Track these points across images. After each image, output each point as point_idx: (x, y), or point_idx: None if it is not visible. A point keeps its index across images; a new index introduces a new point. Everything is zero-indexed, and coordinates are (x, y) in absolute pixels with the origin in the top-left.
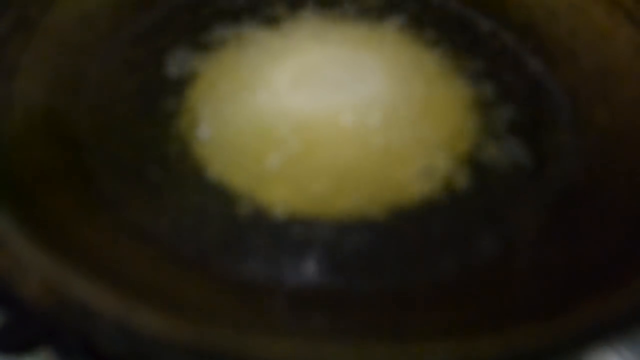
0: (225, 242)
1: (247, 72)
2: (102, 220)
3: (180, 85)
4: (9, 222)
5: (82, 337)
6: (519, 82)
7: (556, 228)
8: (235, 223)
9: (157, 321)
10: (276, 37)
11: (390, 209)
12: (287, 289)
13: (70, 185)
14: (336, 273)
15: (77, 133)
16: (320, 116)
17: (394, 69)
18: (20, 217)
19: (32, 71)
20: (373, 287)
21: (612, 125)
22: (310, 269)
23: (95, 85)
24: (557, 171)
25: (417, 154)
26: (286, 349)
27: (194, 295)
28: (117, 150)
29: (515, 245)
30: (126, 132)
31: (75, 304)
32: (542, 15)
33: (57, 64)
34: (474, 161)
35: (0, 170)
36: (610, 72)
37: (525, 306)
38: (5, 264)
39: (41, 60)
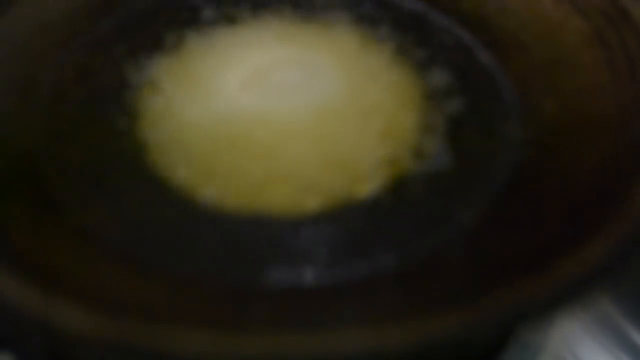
0: (173, 240)
1: (202, 75)
2: (49, 225)
3: (136, 90)
4: None
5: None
6: (470, 76)
7: (499, 218)
8: (188, 223)
9: (81, 317)
10: (233, 39)
11: (340, 204)
12: (234, 286)
13: (22, 193)
14: (286, 268)
15: (31, 141)
16: (270, 116)
17: (345, 67)
18: None
19: None
20: (322, 280)
21: (561, 115)
22: (261, 265)
23: (49, 93)
24: (504, 162)
25: (367, 150)
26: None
27: (127, 291)
28: (71, 157)
29: (457, 237)
30: (80, 139)
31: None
32: (493, 9)
33: (10, 71)
34: (421, 155)
35: None
36: (560, 62)
37: (456, 292)
38: None
39: None
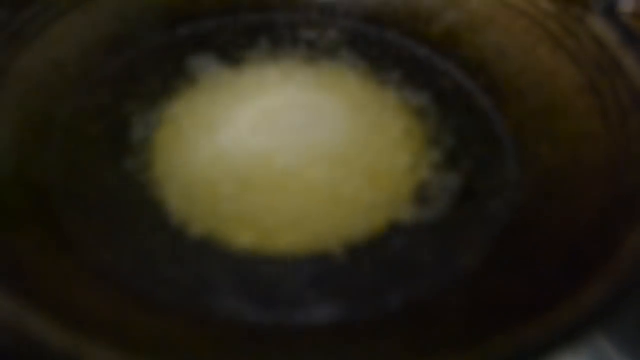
0: (184, 279)
1: (210, 115)
2: (63, 261)
3: (146, 128)
4: None
5: None
6: (469, 119)
7: (497, 262)
8: (194, 261)
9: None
10: (238, 81)
11: (338, 244)
12: (243, 324)
13: (34, 227)
14: (276, 307)
15: (44, 176)
16: (276, 157)
17: (349, 111)
18: None
19: (2, 115)
20: (319, 319)
21: (554, 160)
22: (262, 303)
23: (63, 129)
24: (501, 205)
25: (366, 191)
26: None
27: (148, 330)
28: (82, 192)
29: (459, 278)
30: (91, 175)
31: (29, 340)
32: (492, 55)
33: (26, 108)
34: (420, 196)
35: None
36: (555, 109)
37: (456, 335)
38: None
39: (11, 104)
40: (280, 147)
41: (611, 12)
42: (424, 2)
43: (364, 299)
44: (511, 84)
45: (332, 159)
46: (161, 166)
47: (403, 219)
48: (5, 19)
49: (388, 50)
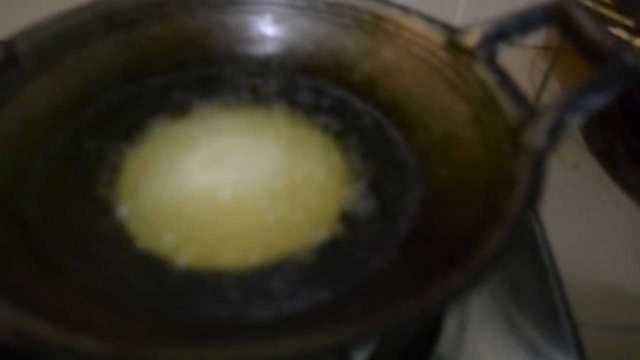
0: (154, 295)
1: (165, 157)
2: (50, 282)
3: (111, 172)
4: None
5: None
6: (382, 150)
7: (403, 263)
8: (163, 281)
9: (98, 345)
10: (187, 128)
11: (281, 255)
12: (206, 325)
13: (20, 256)
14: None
15: (24, 214)
16: (223, 191)
17: (283, 148)
18: None
19: None
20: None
21: (448, 181)
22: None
23: (39, 175)
24: (405, 218)
25: (302, 212)
26: None
27: (118, 327)
28: (59, 227)
29: (374, 274)
30: (66, 213)
31: (34, 338)
32: (402, 96)
33: (6, 159)
34: (344, 214)
35: None
36: (451, 138)
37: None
38: None
39: None
40: (224, 182)
41: (491, 60)
42: (345, 53)
43: (299, 297)
44: (417, 119)
45: (269, 190)
46: (124, 202)
47: (329, 233)
48: None
49: (317, 96)
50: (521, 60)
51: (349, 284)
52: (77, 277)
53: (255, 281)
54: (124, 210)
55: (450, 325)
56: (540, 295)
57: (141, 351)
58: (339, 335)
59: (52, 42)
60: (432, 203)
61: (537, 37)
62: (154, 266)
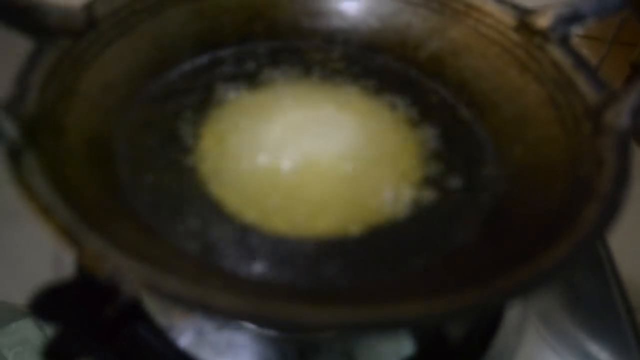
0: (237, 252)
1: (243, 128)
2: (154, 245)
3: (193, 141)
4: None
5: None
6: (455, 128)
7: (489, 237)
8: (245, 241)
9: (225, 299)
10: (264, 99)
11: (363, 227)
12: (283, 286)
13: (123, 222)
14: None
15: (117, 178)
16: (307, 161)
17: (360, 123)
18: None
19: (74, 130)
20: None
21: (526, 159)
22: (298, 271)
23: (123, 141)
24: (486, 196)
25: (382, 185)
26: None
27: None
28: (148, 191)
29: (459, 251)
30: (153, 180)
31: (164, 292)
32: (471, 76)
33: (90, 123)
34: (428, 187)
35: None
36: (523, 118)
37: (456, 284)
38: (110, 270)
39: (79, 121)
40: (307, 152)
41: (565, 42)
42: (411, 31)
43: (385, 270)
44: (488, 99)
45: (352, 162)
46: (207, 172)
47: (412, 206)
48: (69, 46)
49: (383, 73)
50: None
51: (440, 254)
52: (176, 241)
53: (360, 249)
54: (208, 177)
55: (507, 326)
56: (601, 304)
57: (284, 309)
58: (463, 300)
59: (128, 9)
60: (512, 181)
61: None
62: (238, 232)
